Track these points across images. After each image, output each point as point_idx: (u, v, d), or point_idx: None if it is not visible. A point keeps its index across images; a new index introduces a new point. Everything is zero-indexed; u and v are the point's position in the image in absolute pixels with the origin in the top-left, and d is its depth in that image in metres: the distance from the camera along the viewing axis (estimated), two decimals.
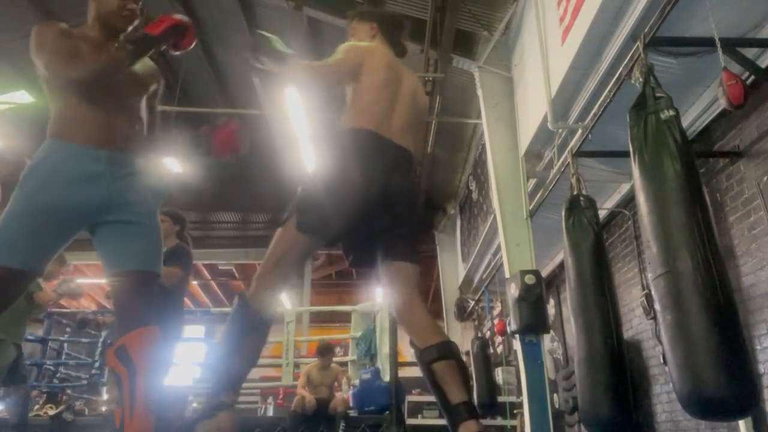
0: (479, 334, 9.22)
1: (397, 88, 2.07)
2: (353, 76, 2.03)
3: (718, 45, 2.91)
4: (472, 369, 8.69)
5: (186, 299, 4.91)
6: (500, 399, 8.86)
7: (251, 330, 1.82)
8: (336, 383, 5.66)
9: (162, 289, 3.53)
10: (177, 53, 2.11)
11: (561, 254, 6.34)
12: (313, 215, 1.84)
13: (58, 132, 1.90)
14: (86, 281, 13.88)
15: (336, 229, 1.88)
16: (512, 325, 4.96)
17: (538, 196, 5.39)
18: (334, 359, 5.99)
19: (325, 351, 5.75)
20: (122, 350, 1.77)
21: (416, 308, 1.93)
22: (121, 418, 1.71)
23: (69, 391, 6.48)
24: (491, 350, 10.44)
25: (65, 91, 1.91)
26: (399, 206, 1.93)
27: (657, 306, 2.68)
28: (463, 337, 10.20)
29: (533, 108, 5.24)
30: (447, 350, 1.84)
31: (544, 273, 7.54)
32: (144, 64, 2.13)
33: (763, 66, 3.47)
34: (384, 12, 2.35)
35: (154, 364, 1.81)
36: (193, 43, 2.08)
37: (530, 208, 5.43)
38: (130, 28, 2.10)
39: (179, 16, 2.04)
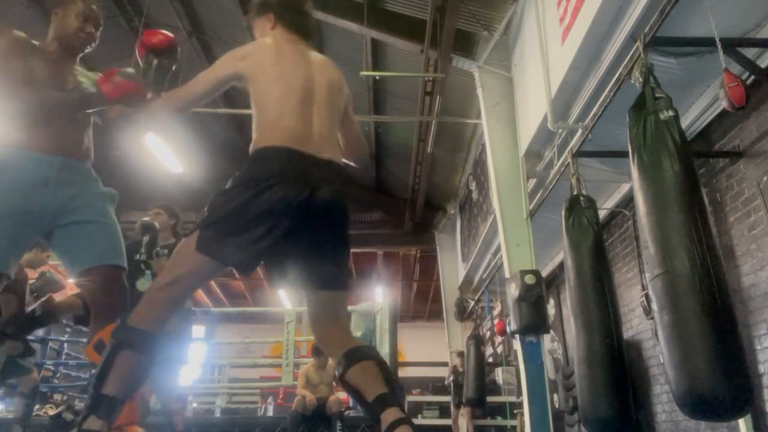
0: (475, 333, 9.22)
1: (310, 84, 1.82)
2: (227, 81, 1.85)
3: (719, 45, 2.91)
4: (465, 367, 8.71)
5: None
6: (500, 399, 8.88)
7: (125, 347, 1.59)
8: (335, 382, 5.66)
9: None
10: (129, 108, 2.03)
11: (561, 254, 6.34)
12: (218, 238, 1.64)
13: (12, 139, 1.95)
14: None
15: (251, 258, 1.66)
16: (512, 325, 4.96)
17: (538, 196, 5.39)
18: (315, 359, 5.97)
19: (320, 350, 5.75)
20: (100, 344, 1.79)
21: (336, 338, 1.80)
22: None
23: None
24: (491, 350, 10.46)
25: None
26: (334, 229, 1.77)
27: (654, 306, 2.68)
28: (463, 337, 10.20)
29: (533, 108, 5.24)
30: (354, 355, 1.71)
31: (544, 273, 7.54)
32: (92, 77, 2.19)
33: (763, 66, 3.47)
34: (278, 5, 2.01)
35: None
36: (143, 100, 1.98)
37: (530, 208, 5.43)
38: (87, 50, 2.25)
39: (133, 81, 1.96)
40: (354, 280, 2.18)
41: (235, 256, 1.64)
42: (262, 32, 2.01)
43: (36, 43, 2.13)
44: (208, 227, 1.66)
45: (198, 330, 12.69)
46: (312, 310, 1.81)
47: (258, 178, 1.67)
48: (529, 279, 4.84)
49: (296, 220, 1.67)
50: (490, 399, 8.74)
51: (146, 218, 3.44)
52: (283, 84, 1.79)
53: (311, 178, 1.70)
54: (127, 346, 1.59)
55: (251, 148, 1.77)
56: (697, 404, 2.44)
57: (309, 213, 1.68)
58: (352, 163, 2.04)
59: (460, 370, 8.76)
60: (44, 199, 1.91)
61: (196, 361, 8.07)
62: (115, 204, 2.15)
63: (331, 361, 5.85)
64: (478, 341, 8.76)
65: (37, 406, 5.53)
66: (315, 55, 1.97)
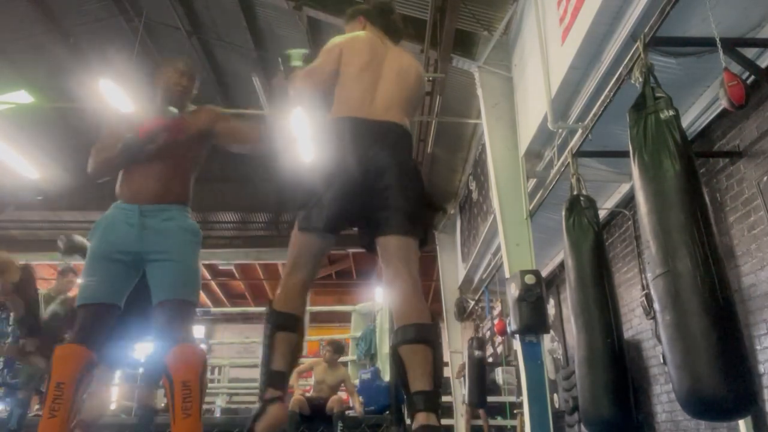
0: (476, 335, 9.21)
1: (379, 67, 2.13)
2: (336, 72, 2.12)
3: (719, 45, 2.91)
4: (466, 369, 8.71)
5: None
6: (500, 399, 8.88)
7: (279, 328, 1.88)
8: (342, 385, 5.63)
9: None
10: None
11: (561, 254, 6.34)
12: (305, 212, 1.93)
13: (116, 195, 2.43)
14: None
15: (330, 219, 1.89)
16: (512, 325, 4.96)
17: (538, 196, 5.39)
18: (326, 355, 5.94)
19: (341, 349, 5.73)
20: (164, 367, 2.10)
21: (399, 284, 1.87)
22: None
23: None
24: (492, 350, 10.46)
25: None
26: (387, 177, 1.91)
27: (656, 306, 2.68)
28: (463, 337, 10.19)
29: (533, 108, 5.24)
30: (415, 333, 1.75)
31: (544, 273, 7.54)
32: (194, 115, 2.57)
33: (763, 66, 3.47)
34: (369, 5, 2.42)
35: (188, 375, 2.06)
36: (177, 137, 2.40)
37: (530, 208, 5.43)
38: (183, 101, 2.56)
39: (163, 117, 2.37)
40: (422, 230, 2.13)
41: (320, 219, 1.89)
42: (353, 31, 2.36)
43: (134, 110, 2.56)
44: (299, 209, 1.96)
45: (198, 330, 12.69)
46: (380, 256, 1.93)
47: (322, 148, 2.00)
48: (529, 279, 4.83)
49: (364, 175, 1.89)
50: (490, 399, 8.75)
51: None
52: (363, 64, 2.11)
53: (369, 139, 1.95)
54: (280, 327, 1.88)
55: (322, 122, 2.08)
56: (699, 404, 2.44)
57: (369, 166, 1.90)
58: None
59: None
60: (131, 240, 2.27)
61: None
62: (199, 237, 2.41)
63: (342, 368, 5.84)
64: (479, 343, 8.77)
65: (36, 406, 5.52)
66: (396, 48, 2.29)
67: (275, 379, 1.84)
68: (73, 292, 5.50)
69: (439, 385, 1.75)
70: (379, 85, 2.09)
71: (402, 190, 1.92)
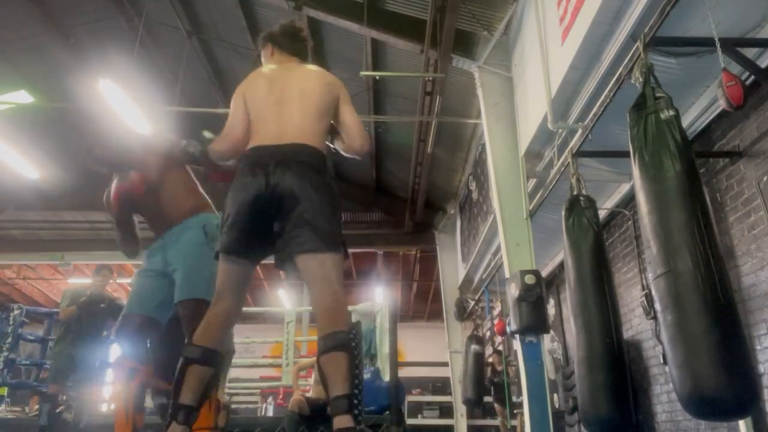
0: (474, 333, 9.21)
1: (281, 93, 2.17)
2: (246, 118, 2.18)
3: (718, 45, 2.91)
4: (463, 367, 8.67)
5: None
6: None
7: (191, 361, 1.93)
8: None
9: None
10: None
11: (561, 254, 6.33)
12: (219, 239, 2.06)
13: None
14: (87, 281, 13.88)
15: (231, 242, 1.99)
16: (512, 325, 4.96)
17: (538, 196, 5.39)
18: None
19: None
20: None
21: (321, 301, 1.93)
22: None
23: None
24: (491, 350, 10.46)
25: None
26: (294, 198, 1.95)
27: (657, 306, 2.68)
28: (463, 337, 10.20)
29: (533, 108, 5.24)
30: (328, 342, 1.84)
31: (544, 273, 7.54)
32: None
33: (763, 66, 3.47)
34: (275, 30, 2.46)
35: None
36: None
37: (530, 208, 5.43)
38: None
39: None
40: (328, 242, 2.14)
41: (225, 242, 2.00)
42: (266, 63, 2.43)
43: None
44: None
45: None
46: (302, 277, 2.00)
47: (236, 177, 2.08)
48: (529, 279, 4.83)
49: (263, 198, 1.97)
50: (490, 399, 8.75)
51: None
52: (262, 96, 2.19)
53: (271, 164, 1.99)
54: (193, 360, 1.91)
55: None
56: (701, 404, 2.43)
57: (274, 190, 1.96)
58: (352, 155, 2.28)
59: (498, 369, 8.64)
60: (162, 259, 2.65)
61: None
62: (205, 231, 2.60)
63: None
64: (477, 341, 8.77)
65: (36, 406, 5.53)
66: (299, 68, 2.34)
67: (179, 413, 1.84)
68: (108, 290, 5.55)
69: (356, 387, 1.89)
70: (282, 110, 2.13)
71: (311, 208, 1.95)
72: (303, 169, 2.01)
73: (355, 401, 1.82)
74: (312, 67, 2.36)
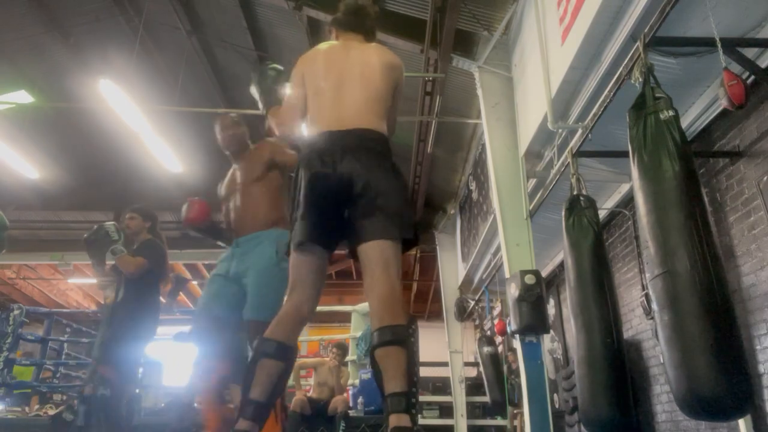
0: (484, 335, 9.21)
1: (341, 74, 2.13)
2: (305, 96, 2.17)
3: (719, 45, 2.91)
4: (481, 369, 8.65)
5: (185, 299, 4.95)
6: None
7: (263, 355, 1.93)
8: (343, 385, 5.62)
9: (132, 283, 3.65)
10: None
11: (561, 254, 6.34)
12: (292, 232, 2.00)
13: None
14: (87, 281, 13.89)
15: (307, 231, 1.93)
16: (512, 325, 4.96)
17: (538, 196, 5.39)
18: (334, 359, 5.96)
19: (347, 351, 5.72)
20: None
21: (377, 289, 1.88)
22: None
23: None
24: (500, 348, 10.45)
25: None
26: (361, 185, 1.92)
27: (654, 306, 2.68)
28: (463, 337, 10.19)
29: (533, 108, 5.24)
30: (388, 336, 1.76)
31: (544, 273, 7.54)
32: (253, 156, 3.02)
33: (763, 66, 3.47)
34: (338, 11, 2.41)
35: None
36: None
37: (530, 208, 5.43)
38: (239, 147, 3.09)
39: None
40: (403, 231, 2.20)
41: (300, 233, 1.94)
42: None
43: None
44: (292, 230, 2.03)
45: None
46: (361, 264, 1.96)
47: (300, 167, 2.04)
48: (529, 279, 4.83)
49: (333, 185, 1.93)
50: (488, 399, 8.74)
51: (111, 222, 4.11)
52: (321, 75, 2.15)
53: (339, 150, 1.96)
54: (265, 354, 1.85)
55: None
56: (697, 404, 2.44)
57: (342, 177, 1.93)
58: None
59: (514, 367, 8.62)
60: (231, 265, 2.80)
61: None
62: (279, 244, 2.64)
63: (346, 370, 5.83)
64: (489, 341, 8.74)
65: (36, 406, 5.53)
66: (360, 46, 2.27)
67: (248, 408, 1.78)
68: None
69: (414, 385, 1.74)
70: (343, 92, 2.10)
71: (377, 195, 1.92)
72: (372, 155, 1.99)
73: (413, 400, 1.71)
74: (373, 46, 2.30)
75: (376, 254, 1.90)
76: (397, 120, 2.29)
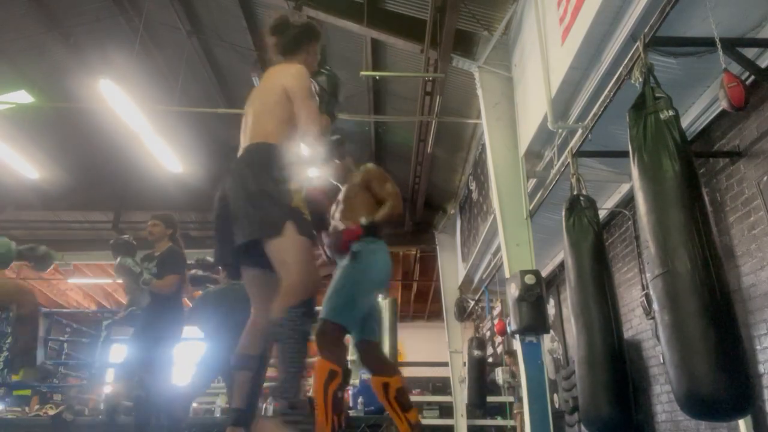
0: (477, 335, 9.20)
1: (253, 98, 2.32)
2: None
3: (719, 45, 2.91)
4: (466, 369, 8.66)
5: (185, 299, 4.94)
6: (500, 399, 8.87)
7: None
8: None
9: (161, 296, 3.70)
10: None
11: (561, 254, 6.34)
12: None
13: None
14: (87, 281, 13.89)
15: (222, 255, 2.16)
16: (512, 325, 4.96)
17: (538, 196, 5.39)
18: None
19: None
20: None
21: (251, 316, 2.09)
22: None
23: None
24: (491, 350, 10.46)
25: None
26: (230, 207, 2.08)
27: (655, 306, 2.68)
28: (463, 337, 10.20)
29: (533, 108, 5.24)
30: (235, 362, 1.97)
31: (544, 273, 7.54)
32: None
33: (763, 66, 3.47)
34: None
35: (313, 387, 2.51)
36: None
37: (530, 208, 5.43)
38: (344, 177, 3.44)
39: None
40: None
41: (222, 258, 2.19)
42: None
43: None
44: None
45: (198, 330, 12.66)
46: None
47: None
48: (529, 279, 4.83)
49: (220, 205, 2.13)
50: (490, 399, 8.74)
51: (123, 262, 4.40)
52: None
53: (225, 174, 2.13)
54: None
55: None
56: (697, 404, 2.44)
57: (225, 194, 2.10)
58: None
59: (515, 370, 8.62)
60: None
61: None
62: (358, 259, 2.76)
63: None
64: (479, 344, 8.76)
65: (36, 406, 5.53)
66: (268, 72, 2.37)
67: (231, 416, 2.00)
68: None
69: (252, 404, 1.94)
70: (247, 116, 2.26)
71: (235, 198, 2.07)
72: (241, 164, 2.12)
73: (246, 417, 2.00)
74: (279, 66, 2.36)
75: (253, 283, 2.24)
76: (311, 110, 2.19)
